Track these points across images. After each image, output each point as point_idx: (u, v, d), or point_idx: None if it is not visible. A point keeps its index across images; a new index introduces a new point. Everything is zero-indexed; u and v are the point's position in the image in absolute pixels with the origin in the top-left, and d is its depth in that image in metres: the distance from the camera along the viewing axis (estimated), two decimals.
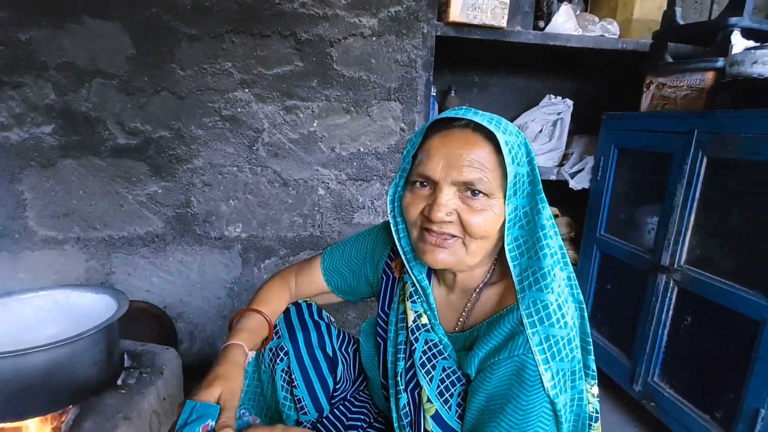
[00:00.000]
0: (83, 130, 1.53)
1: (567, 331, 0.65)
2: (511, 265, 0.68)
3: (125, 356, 1.22)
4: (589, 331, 0.72)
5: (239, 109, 1.61)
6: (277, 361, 0.87)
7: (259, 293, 0.92)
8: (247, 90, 1.60)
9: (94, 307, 1.17)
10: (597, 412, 0.73)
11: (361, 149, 1.72)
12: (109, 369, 1.09)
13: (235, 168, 1.64)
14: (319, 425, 0.90)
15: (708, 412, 1.29)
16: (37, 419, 0.98)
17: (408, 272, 0.80)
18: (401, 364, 0.78)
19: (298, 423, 0.89)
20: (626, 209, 1.69)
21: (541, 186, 0.69)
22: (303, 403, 0.88)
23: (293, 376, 0.87)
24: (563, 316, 0.65)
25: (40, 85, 1.47)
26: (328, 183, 1.72)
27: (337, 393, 0.93)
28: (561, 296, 0.66)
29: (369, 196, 1.77)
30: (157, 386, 1.18)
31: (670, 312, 1.43)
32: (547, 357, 0.63)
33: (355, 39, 1.62)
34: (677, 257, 1.39)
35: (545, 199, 0.69)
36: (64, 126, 1.51)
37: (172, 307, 1.70)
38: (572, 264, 2.05)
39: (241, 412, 0.71)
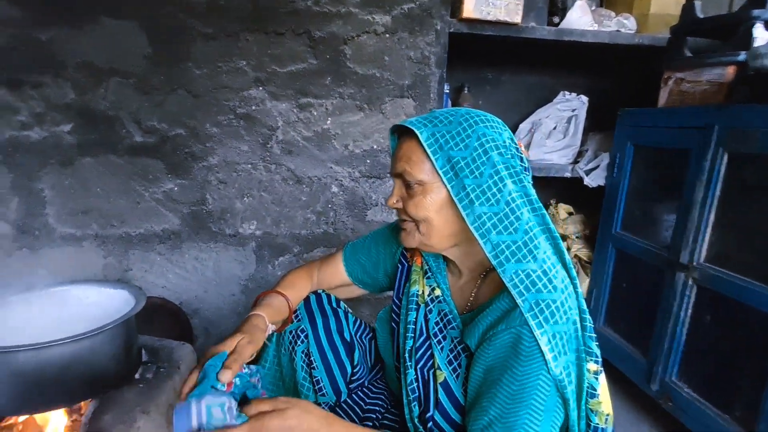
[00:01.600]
0: (101, 128, 1.55)
1: (557, 294, 0.67)
2: (481, 242, 0.71)
3: (143, 351, 1.23)
4: (585, 308, 0.72)
5: (254, 107, 1.62)
6: (298, 342, 0.91)
7: (283, 280, 0.98)
8: (261, 88, 1.61)
9: (111, 303, 1.18)
10: (594, 389, 0.71)
11: (375, 146, 1.72)
12: (127, 363, 1.10)
13: (249, 165, 1.65)
14: (337, 408, 0.93)
15: (728, 412, 1.27)
16: (57, 411, 1.00)
17: (424, 257, 0.87)
18: (410, 342, 0.83)
19: (317, 404, 0.91)
20: (643, 206, 1.67)
21: (508, 162, 0.72)
22: (321, 384, 0.91)
23: (312, 358, 0.90)
24: (550, 281, 0.67)
25: (59, 84, 1.50)
26: (342, 180, 1.72)
27: (354, 378, 0.96)
28: (546, 263, 0.69)
29: (382, 193, 1.77)
30: (174, 381, 1.19)
31: (689, 310, 1.40)
32: (540, 321, 0.65)
33: (368, 36, 1.62)
34: (696, 255, 1.37)
35: (516, 173, 0.72)
36: (83, 125, 1.53)
37: (187, 303, 1.72)
38: (586, 262, 2.01)
39: (256, 372, 0.72)
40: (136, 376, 1.14)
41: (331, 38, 1.60)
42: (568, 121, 2.04)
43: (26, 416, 0.99)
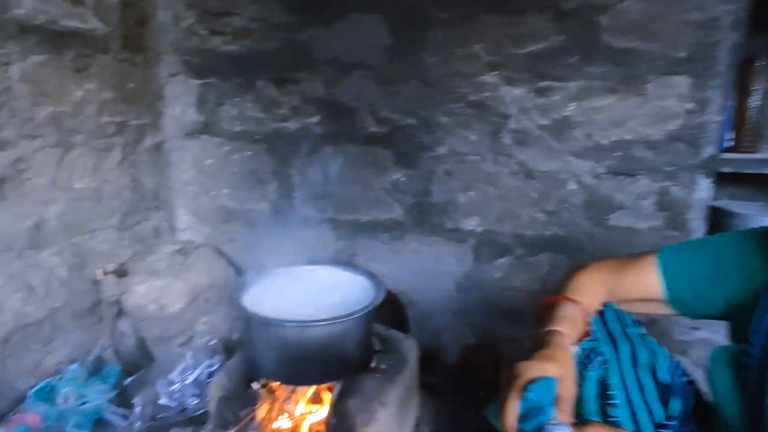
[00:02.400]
0: (341, 119, 1.64)
1: None
2: None
3: (376, 340, 1.25)
4: None
5: (486, 94, 1.50)
6: (588, 366, 0.74)
7: (573, 282, 0.81)
8: (495, 73, 1.48)
9: (352, 287, 1.21)
10: None
11: (627, 136, 1.42)
12: (367, 350, 1.11)
13: (477, 157, 1.55)
14: None
15: None
16: (312, 387, 1.06)
17: None
18: None
19: None
20: None
21: None
22: (619, 425, 0.71)
23: (610, 392, 0.71)
24: None
25: (312, 80, 1.64)
26: (581, 176, 1.48)
27: (663, 430, 0.74)
28: None
29: (631, 194, 1.46)
30: (403, 374, 1.17)
31: None
32: None
33: (633, 1, 1.33)
34: None
35: None
36: (328, 116, 1.65)
37: (404, 294, 1.72)
38: None
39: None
40: (372, 364, 1.15)
41: (584, 9, 1.37)
42: None
43: (286, 385, 1.07)
